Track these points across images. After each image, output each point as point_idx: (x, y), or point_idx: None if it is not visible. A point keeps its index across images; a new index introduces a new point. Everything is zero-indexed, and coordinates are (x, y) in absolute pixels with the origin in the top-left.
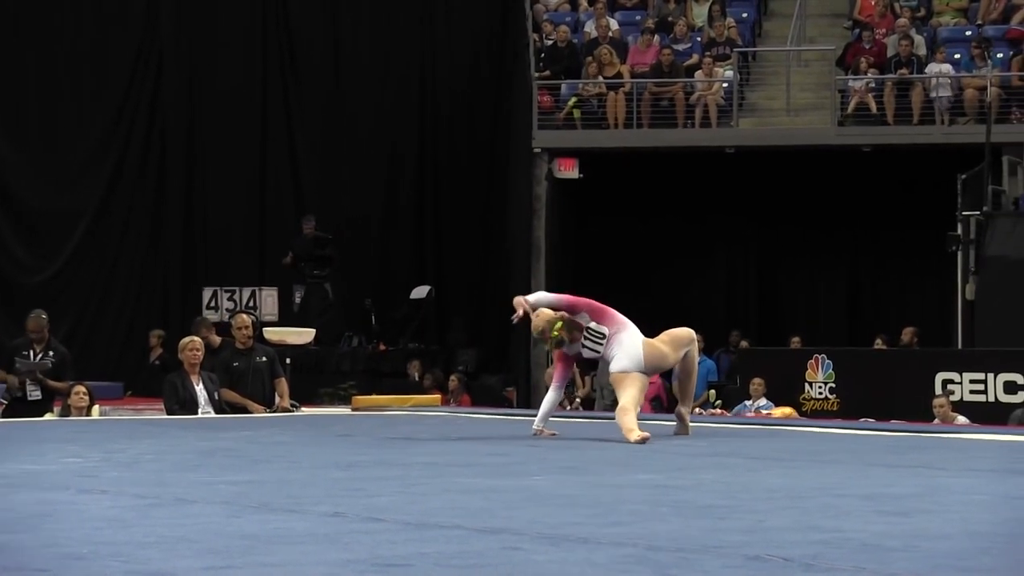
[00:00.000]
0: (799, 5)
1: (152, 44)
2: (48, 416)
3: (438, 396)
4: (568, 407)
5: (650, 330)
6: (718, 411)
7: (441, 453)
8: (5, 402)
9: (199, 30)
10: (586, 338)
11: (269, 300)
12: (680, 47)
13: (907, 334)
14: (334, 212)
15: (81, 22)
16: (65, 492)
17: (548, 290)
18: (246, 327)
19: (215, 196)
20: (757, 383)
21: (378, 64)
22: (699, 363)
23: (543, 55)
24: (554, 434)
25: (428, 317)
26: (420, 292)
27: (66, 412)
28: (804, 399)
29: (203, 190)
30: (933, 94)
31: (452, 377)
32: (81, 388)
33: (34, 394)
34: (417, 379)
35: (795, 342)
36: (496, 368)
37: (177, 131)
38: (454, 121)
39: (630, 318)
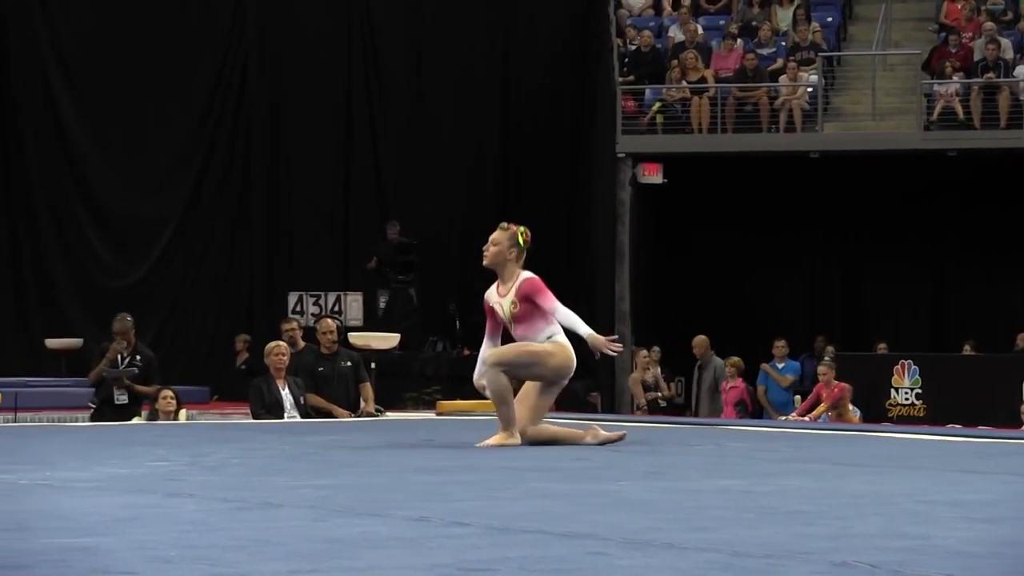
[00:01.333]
0: (884, 9)
1: (237, 50)
2: (135, 420)
3: None
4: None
5: (730, 337)
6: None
7: (524, 458)
8: (93, 406)
9: (283, 36)
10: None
11: (354, 305)
12: (764, 51)
13: (1022, 339)
14: (418, 217)
15: (167, 28)
16: (152, 496)
17: (632, 297)
18: (331, 332)
19: (300, 201)
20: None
21: (460, 69)
22: (784, 367)
23: (626, 60)
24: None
25: None
26: None
27: (153, 416)
28: (890, 404)
29: (288, 194)
30: (1021, 98)
31: None
32: (168, 392)
33: (121, 398)
34: None
35: (881, 348)
36: (579, 373)
37: (261, 136)
38: (537, 126)
39: (714, 323)
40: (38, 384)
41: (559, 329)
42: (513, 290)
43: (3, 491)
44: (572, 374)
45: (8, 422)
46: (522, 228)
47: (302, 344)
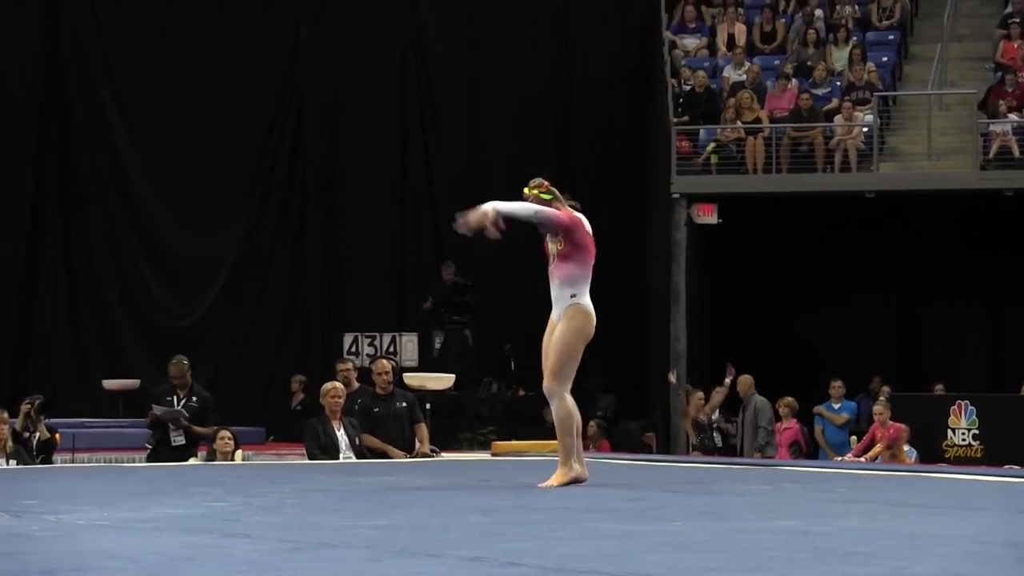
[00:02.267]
0: (940, 48)
1: (293, 91)
2: (192, 461)
3: None
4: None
5: (786, 378)
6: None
7: (579, 498)
8: (150, 446)
9: (339, 77)
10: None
11: (409, 345)
12: (819, 91)
13: None
14: (473, 258)
15: (224, 70)
16: (209, 536)
17: (687, 338)
18: (386, 372)
19: (355, 241)
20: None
21: (514, 110)
22: (840, 407)
23: (681, 100)
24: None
25: None
26: None
27: (211, 457)
28: (947, 445)
29: (344, 235)
30: None
31: (591, 423)
32: (226, 433)
33: (178, 440)
34: None
35: (938, 388)
36: (635, 414)
37: (317, 177)
38: (591, 166)
39: (769, 363)
40: (95, 425)
41: (585, 290)
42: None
43: (62, 531)
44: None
45: (66, 462)
46: (532, 185)
47: (357, 385)
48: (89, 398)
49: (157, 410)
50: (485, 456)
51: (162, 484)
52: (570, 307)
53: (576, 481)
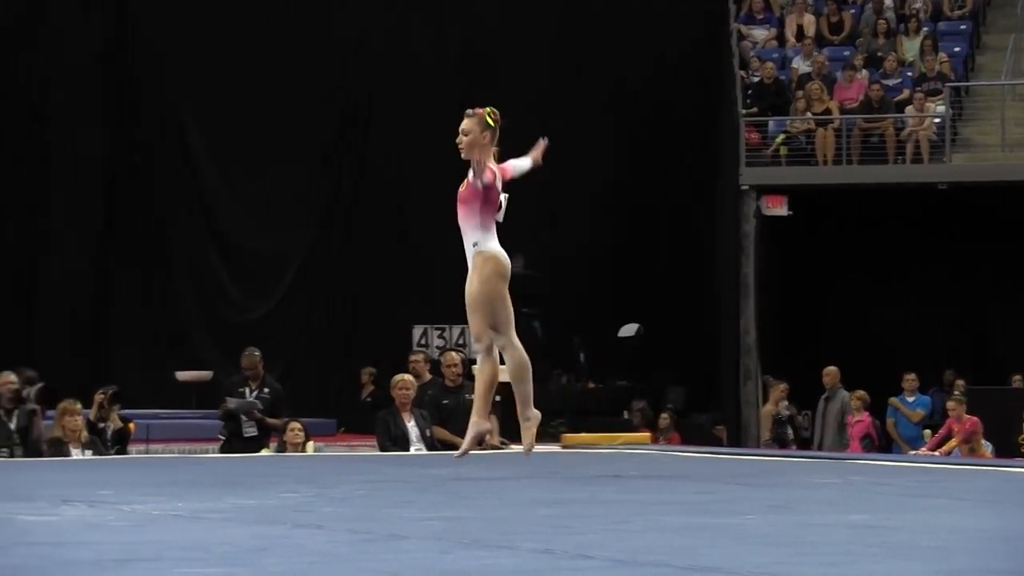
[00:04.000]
0: (1013, 39)
1: (361, 88)
2: (264, 452)
3: (648, 434)
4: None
5: (857, 371)
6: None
7: (649, 491)
8: (223, 438)
9: (404, 71)
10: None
11: None
12: (890, 82)
13: None
14: (542, 250)
15: (292, 68)
16: (281, 527)
17: (757, 330)
18: (455, 364)
19: (425, 234)
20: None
21: (581, 102)
22: (914, 400)
23: (750, 91)
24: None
25: (637, 355)
26: (629, 330)
27: (282, 448)
28: (1023, 440)
29: (413, 228)
30: None
31: (662, 415)
32: (296, 425)
33: (249, 431)
34: (626, 417)
35: (1016, 380)
36: (705, 406)
37: (385, 170)
38: (659, 158)
39: (840, 356)
40: (169, 416)
41: (489, 236)
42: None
43: (137, 521)
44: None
45: (140, 453)
46: (488, 109)
47: (428, 377)
48: (163, 390)
49: (230, 402)
50: (555, 448)
51: (234, 475)
52: (476, 257)
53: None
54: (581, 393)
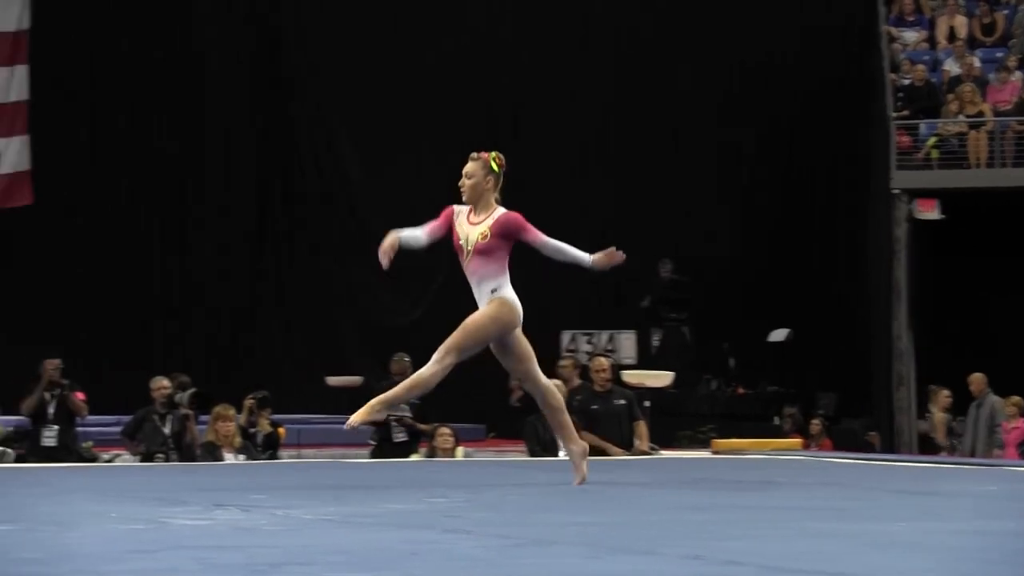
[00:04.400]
0: None
1: (506, 91)
2: (414, 457)
3: (799, 440)
4: None
5: (1013, 376)
6: None
7: (800, 497)
8: (373, 443)
9: (551, 74)
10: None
11: (627, 343)
12: None
13: None
14: (691, 255)
15: (439, 66)
16: (430, 531)
17: (910, 335)
18: (604, 370)
19: (569, 239)
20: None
21: (732, 107)
22: None
23: (900, 94)
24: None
25: (787, 360)
26: (779, 335)
27: (431, 453)
28: None
29: (561, 233)
30: None
31: (813, 421)
32: (446, 430)
33: (400, 436)
34: (777, 422)
35: None
36: (857, 412)
37: (534, 175)
38: (809, 162)
39: (995, 360)
40: (320, 421)
41: (506, 282)
42: (489, 222)
43: (289, 525)
44: (520, 321)
45: (292, 457)
46: (494, 153)
47: (576, 382)
48: (314, 395)
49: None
50: (705, 454)
51: (384, 480)
52: (493, 301)
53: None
54: (731, 398)
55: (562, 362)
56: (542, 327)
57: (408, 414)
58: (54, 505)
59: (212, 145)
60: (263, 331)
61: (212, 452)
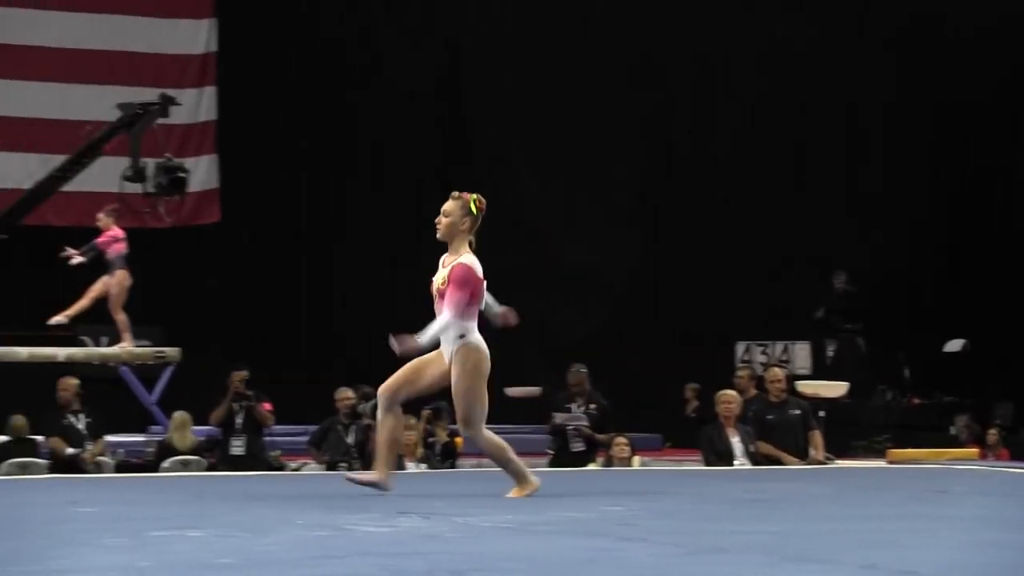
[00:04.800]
0: None
1: (673, 112)
2: (591, 466)
3: (975, 450)
4: None
5: None
6: None
7: (975, 507)
8: (551, 452)
9: (712, 92)
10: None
11: (801, 353)
12: None
13: None
14: (864, 266)
15: (610, 93)
16: (606, 539)
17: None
18: (779, 380)
19: (743, 254)
20: None
21: (896, 114)
22: None
23: None
24: None
25: (963, 370)
26: (955, 345)
27: (608, 463)
28: None
29: (732, 245)
30: None
31: (990, 431)
32: (623, 440)
33: (577, 446)
34: (953, 432)
35: None
36: None
37: (701, 188)
38: (984, 169)
39: None
40: (499, 431)
41: (472, 328)
42: (450, 267)
43: (468, 533)
44: (489, 362)
45: (470, 467)
46: (475, 196)
47: (753, 392)
48: (494, 406)
49: (558, 417)
50: (880, 464)
51: (562, 489)
52: (460, 348)
53: (534, 490)
54: (906, 409)
55: (738, 373)
56: (718, 339)
57: (586, 423)
58: (244, 512)
59: (391, 164)
60: None
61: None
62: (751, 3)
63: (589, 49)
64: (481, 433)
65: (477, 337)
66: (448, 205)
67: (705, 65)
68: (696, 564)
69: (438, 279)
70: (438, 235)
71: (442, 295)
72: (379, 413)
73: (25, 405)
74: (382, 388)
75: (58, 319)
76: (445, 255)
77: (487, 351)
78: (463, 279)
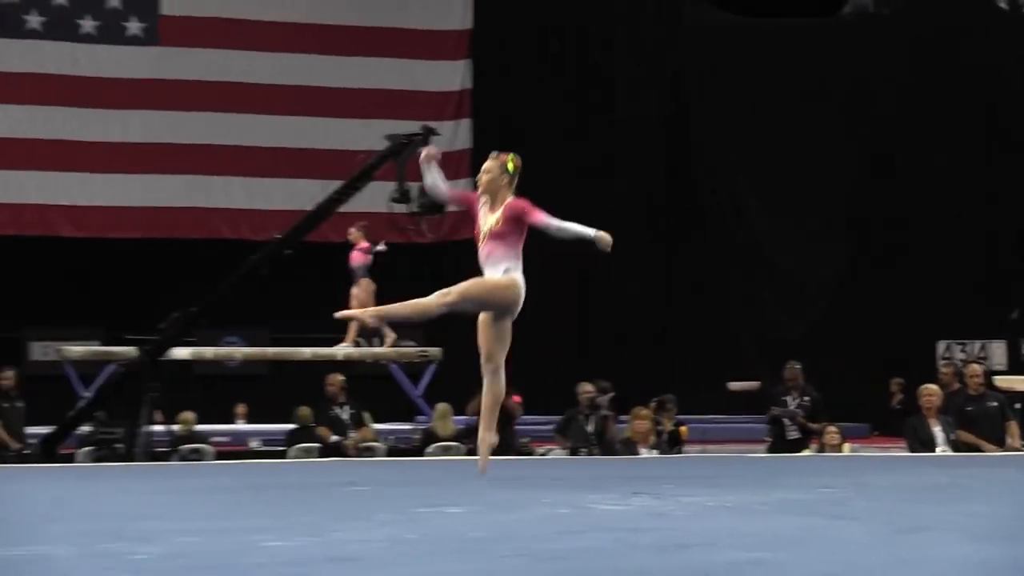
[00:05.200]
0: None
1: (884, 126)
2: (805, 452)
3: None
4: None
5: None
6: None
7: None
8: (769, 440)
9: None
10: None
11: (998, 351)
12: None
13: None
14: None
15: (819, 109)
16: (819, 518)
17: None
18: (978, 375)
19: (947, 254)
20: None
21: None
22: None
23: None
24: None
25: None
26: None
27: (821, 450)
28: None
29: (928, 251)
30: None
31: None
32: (833, 428)
33: (792, 434)
34: None
35: None
36: None
37: (910, 193)
38: None
39: None
40: (722, 421)
41: (518, 266)
42: (500, 210)
43: (695, 511)
44: (520, 307)
45: (698, 453)
46: (512, 155)
47: (956, 386)
48: (717, 398)
49: (775, 410)
50: None
51: (779, 473)
52: (506, 275)
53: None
54: None
55: (942, 368)
56: (920, 337)
57: (800, 413)
58: (496, 492)
59: (626, 194)
60: (672, 345)
61: (629, 447)
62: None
63: (805, 72)
64: (442, 301)
65: (521, 276)
66: (488, 164)
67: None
68: (903, 542)
69: (488, 222)
70: (480, 191)
71: (493, 235)
72: (485, 381)
73: (307, 398)
74: (483, 363)
75: (349, 348)
76: (488, 207)
77: (523, 293)
78: (527, 205)
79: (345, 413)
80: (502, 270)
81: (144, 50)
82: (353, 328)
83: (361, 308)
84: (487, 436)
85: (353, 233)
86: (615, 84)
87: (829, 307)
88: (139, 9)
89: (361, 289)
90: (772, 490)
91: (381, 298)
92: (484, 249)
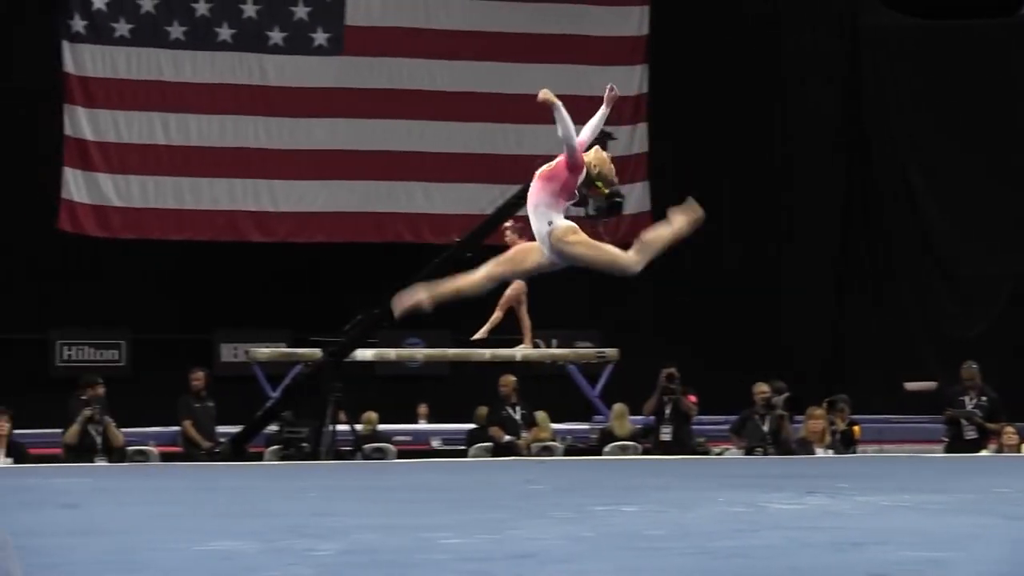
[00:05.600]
0: None
1: None
2: (983, 452)
3: None
4: None
5: None
6: None
7: None
8: (946, 440)
9: None
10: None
11: None
12: None
13: None
14: None
15: (1003, 103)
16: (993, 517)
17: None
18: None
19: None
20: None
21: None
22: None
23: None
24: None
25: None
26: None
27: (999, 450)
28: None
29: None
30: None
31: None
32: (1011, 428)
33: (970, 434)
34: None
35: None
36: None
37: None
38: None
39: None
40: (899, 420)
41: (559, 216)
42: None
43: (869, 510)
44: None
45: (875, 453)
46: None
47: None
48: (894, 398)
49: (951, 410)
50: None
51: (955, 472)
52: (554, 232)
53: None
54: None
55: None
56: None
57: (978, 414)
58: (672, 491)
59: (802, 187)
60: (851, 343)
61: (805, 447)
62: None
63: (983, 72)
64: (637, 258)
65: (563, 219)
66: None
67: None
68: None
69: (545, 167)
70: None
71: (543, 176)
72: (480, 272)
73: (488, 399)
74: (497, 265)
75: (480, 335)
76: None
77: (575, 224)
78: (581, 157)
79: (517, 413)
80: (544, 225)
81: (329, 60)
82: (526, 327)
83: (516, 307)
84: (425, 292)
85: (508, 234)
86: (788, 86)
87: (1008, 305)
88: (325, 20)
89: (513, 289)
90: (948, 489)
91: (531, 299)
92: (533, 189)
